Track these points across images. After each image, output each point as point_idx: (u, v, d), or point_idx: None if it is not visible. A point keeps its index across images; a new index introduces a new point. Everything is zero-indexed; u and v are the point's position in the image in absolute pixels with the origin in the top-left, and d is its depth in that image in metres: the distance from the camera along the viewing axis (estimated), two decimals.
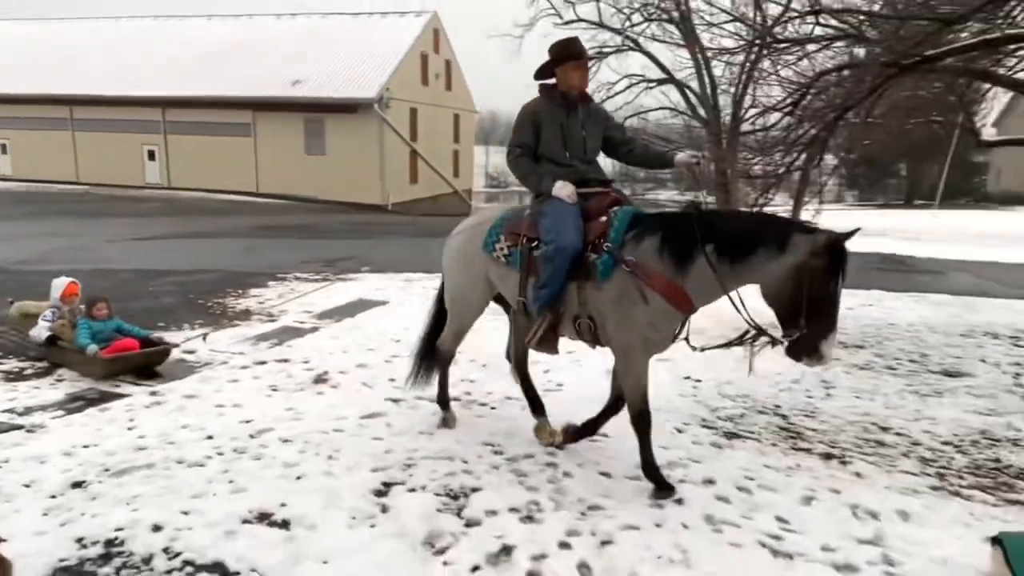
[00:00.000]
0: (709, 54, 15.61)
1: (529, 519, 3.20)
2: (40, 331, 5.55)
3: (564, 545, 2.97)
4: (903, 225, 24.81)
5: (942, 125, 12.63)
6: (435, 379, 4.56)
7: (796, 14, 5.22)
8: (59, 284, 5.89)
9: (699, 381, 5.80)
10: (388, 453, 3.91)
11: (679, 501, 3.46)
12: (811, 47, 5.35)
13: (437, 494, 3.42)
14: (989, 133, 22.43)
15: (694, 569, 2.81)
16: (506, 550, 2.92)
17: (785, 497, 3.59)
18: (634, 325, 3.49)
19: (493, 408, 4.32)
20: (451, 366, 4.64)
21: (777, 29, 6.04)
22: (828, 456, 4.26)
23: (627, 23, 21.15)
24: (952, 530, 3.30)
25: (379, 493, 3.42)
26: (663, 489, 3.51)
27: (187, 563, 2.77)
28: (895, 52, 4.24)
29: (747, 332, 3.44)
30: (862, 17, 4.60)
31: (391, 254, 14.07)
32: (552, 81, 3.90)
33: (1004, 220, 27.00)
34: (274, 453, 3.89)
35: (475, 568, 2.79)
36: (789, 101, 4.69)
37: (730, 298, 3.30)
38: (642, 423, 3.59)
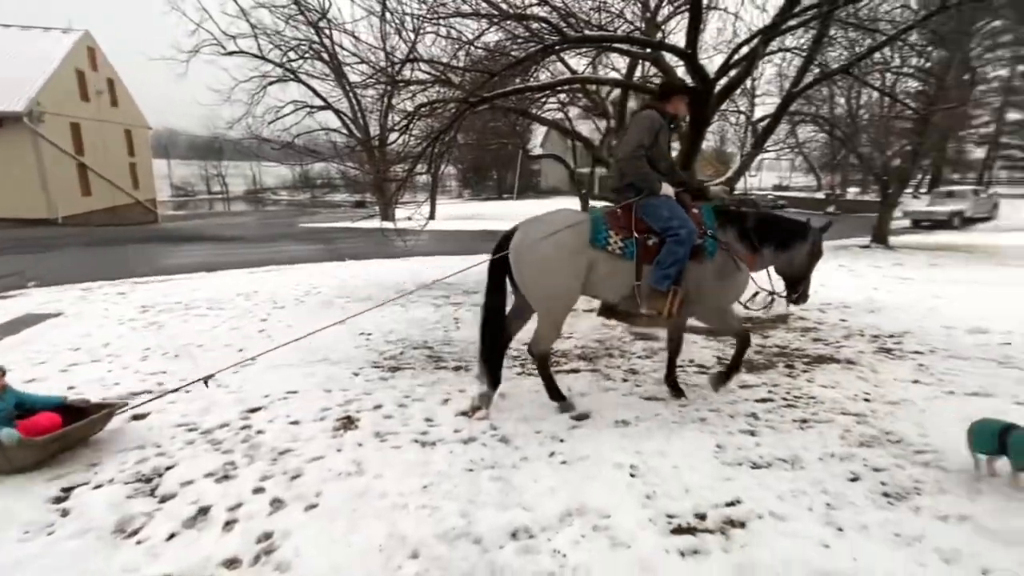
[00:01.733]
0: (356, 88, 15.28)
1: (225, 478, 2.76)
2: None
3: (258, 490, 2.64)
4: (499, 210, 28.31)
5: (512, 145, 14.60)
6: (498, 378, 3.62)
7: (398, 61, 5.43)
8: None
9: (370, 334, 5.77)
10: (70, 459, 2.97)
11: (355, 426, 3.39)
12: (415, 87, 5.58)
13: (127, 483, 2.71)
14: (537, 149, 26.88)
15: (366, 475, 2.78)
16: (203, 511, 2.48)
17: (430, 403, 3.76)
18: (730, 288, 3.56)
19: (187, 392, 3.56)
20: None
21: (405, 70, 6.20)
22: (459, 368, 4.62)
23: (285, 58, 19.43)
24: (528, 396, 3.83)
25: (58, 500, 2.59)
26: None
27: None
28: (467, 93, 4.62)
29: (769, 293, 3.71)
30: (442, 67, 4.95)
31: (64, 266, 10.68)
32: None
33: (547, 204, 32.78)
34: None
35: (171, 536, 2.30)
36: (402, 125, 4.83)
37: (768, 272, 3.71)
38: (746, 344, 3.69)
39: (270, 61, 19.12)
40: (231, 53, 18.39)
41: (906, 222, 20.36)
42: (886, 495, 2.54)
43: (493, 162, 37.68)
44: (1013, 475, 2.54)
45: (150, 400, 3.48)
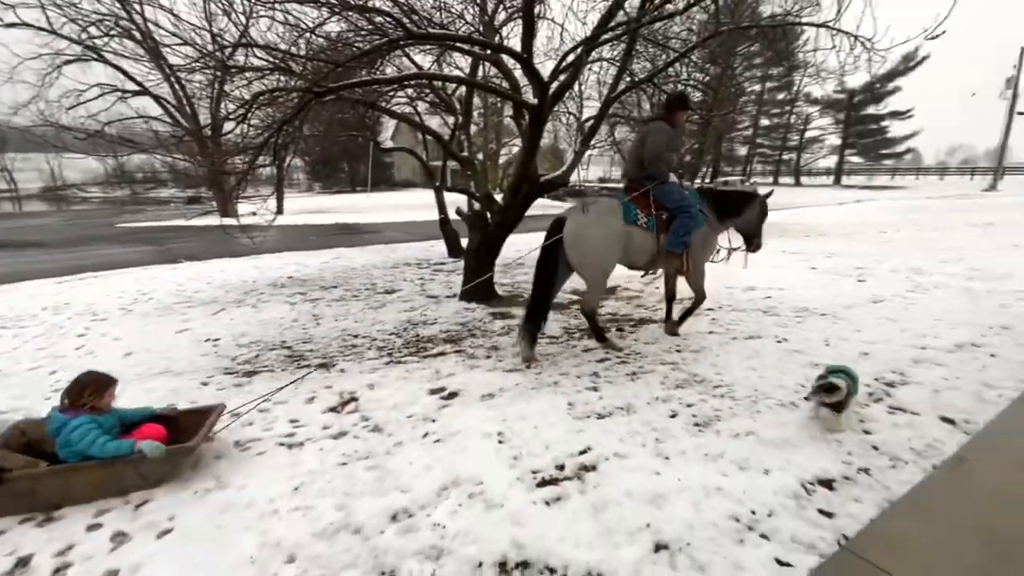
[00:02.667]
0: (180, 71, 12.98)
1: (48, 520, 2.22)
2: None
3: (93, 527, 2.18)
4: (351, 204, 26.74)
5: (362, 137, 13.80)
6: (535, 339, 4.20)
7: (229, 45, 4.77)
8: None
9: (218, 339, 5.10)
10: None
11: (209, 439, 2.97)
12: (251, 74, 4.98)
13: None
14: (389, 142, 25.87)
15: (228, 488, 2.47)
16: (22, 562, 1.99)
17: (295, 404, 3.47)
18: (710, 250, 4.54)
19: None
20: None
21: (238, 56, 5.42)
22: (323, 365, 4.32)
23: (84, 35, 15.69)
24: (397, 384, 3.76)
25: None
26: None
27: None
28: (310, 82, 4.25)
29: (732, 248, 4.72)
30: (281, 55, 4.47)
31: None
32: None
33: (402, 197, 31.96)
34: None
35: None
36: (239, 114, 4.27)
37: (728, 234, 4.74)
38: (702, 300, 4.70)
39: (64, 37, 15.39)
40: (11, 25, 14.45)
41: None
42: (696, 424, 3.00)
43: (343, 154, 35.26)
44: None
45: (254, 402, 3.29)
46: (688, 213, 4.12)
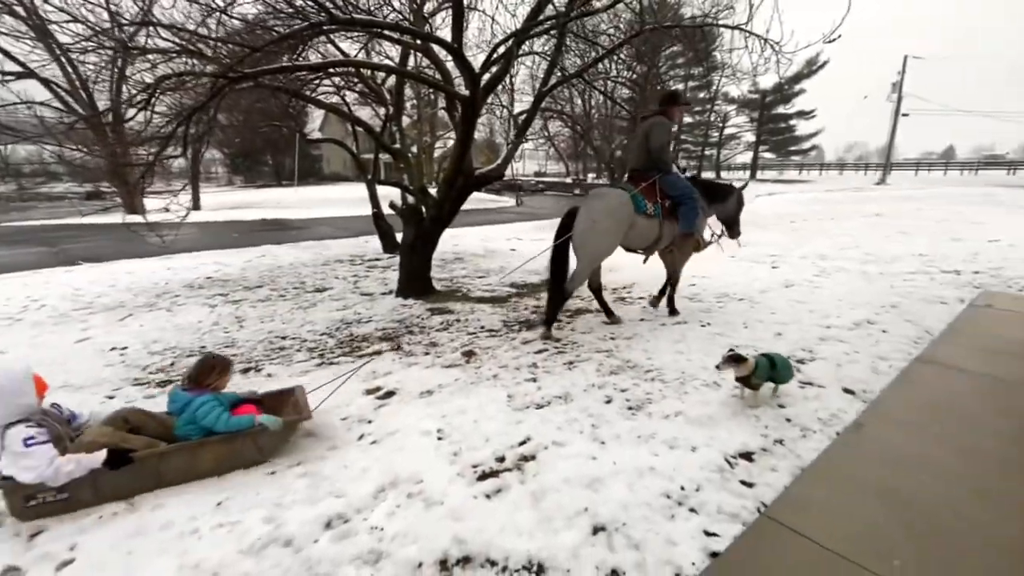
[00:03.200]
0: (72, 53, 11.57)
1: None
2: (63, 464, 2.13)
3: None
4: (278, 198, 25.29)
5: (287, 127, 13.03)
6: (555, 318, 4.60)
7: (128, 23, 4.31)
8: (22, 376, 2.17)
9: (125, 348, 4.65)
10: None
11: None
12: (156, 56, 4.54)
13: None
14: (316, 134, 24.67)
15: (141, 509, 2.24)
16: None
17: None
18: (701, 230, 4.79)
19: None
20: None
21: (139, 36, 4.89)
22: (247, 370, 4.06)
23: None
24: (331, 386, 3.62)
25: None
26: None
27: None
28: (225, 67, 3.96)
29: (714, 234, 5.22)
30: (189, 36, 4.10)
31: None
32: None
33: (332, 191, 30.69)
34: None
35: None
36: (142, 100, 3.88)
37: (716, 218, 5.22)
38: (678, 280, 5.18)
39: None
40: None
41: None
42: (630, 408, 3.11)
43: (267, 146, 33.30)
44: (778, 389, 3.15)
45: (334, 381, 3.32)
46: (693, 199, 4.52)
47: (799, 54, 4.88)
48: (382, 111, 7.79)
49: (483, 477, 2.44)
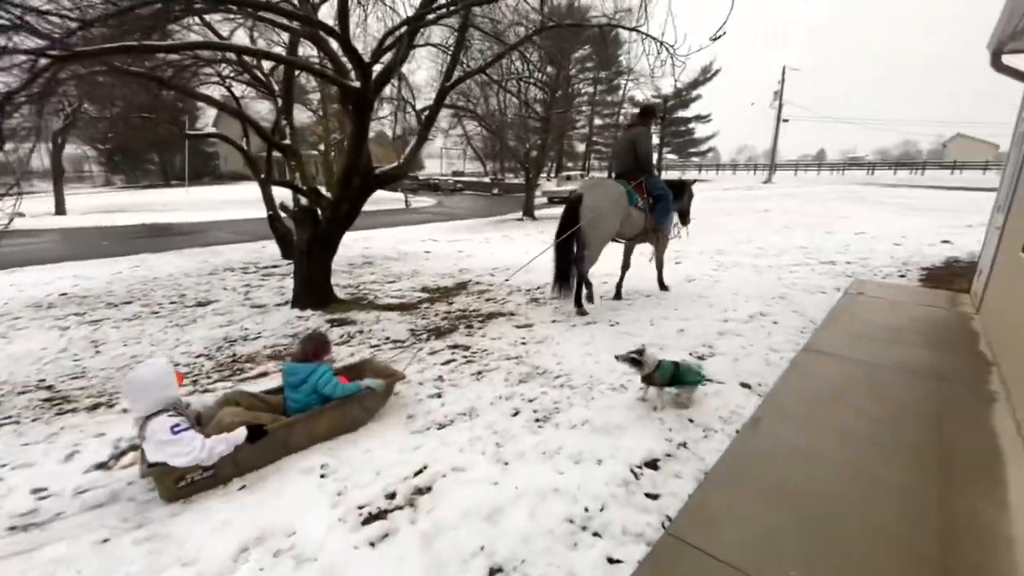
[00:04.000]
0: None
1: None
2: (215, 444, 2.33)
3: None
4: (167, 200, 22.72)
5: (165, 122, 11.57)
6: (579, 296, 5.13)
7: None
8: (167, 370, 2.36)
9: None
10: None
11: None
12: None
13: None
14: (211, 128, 22.39)
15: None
16: None
17: (46, 466, 2.65)
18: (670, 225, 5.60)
19: None
20: None
21: None
22: (95, 407, 3.41)
23: None
24: None
25: None
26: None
27: None
28: (49, 43, 3.27)
29: (676, 226, 5.80)
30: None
31: None
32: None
33: (233, 191, 28.19)
34: None
35: None
36: None
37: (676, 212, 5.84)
38: (662, 263, 6.05)
39: None
40: None
41: (544, 199, 25.17)
42: (537, 420, 2.94)
43: (152, 143, 29.80)
44: (685, 394, 3.06)
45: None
46: (668, 198, 5.33)
47: (692, 57, 5.05)
48: (277, 105, 7.07)
49: (369, 520, 2.13)
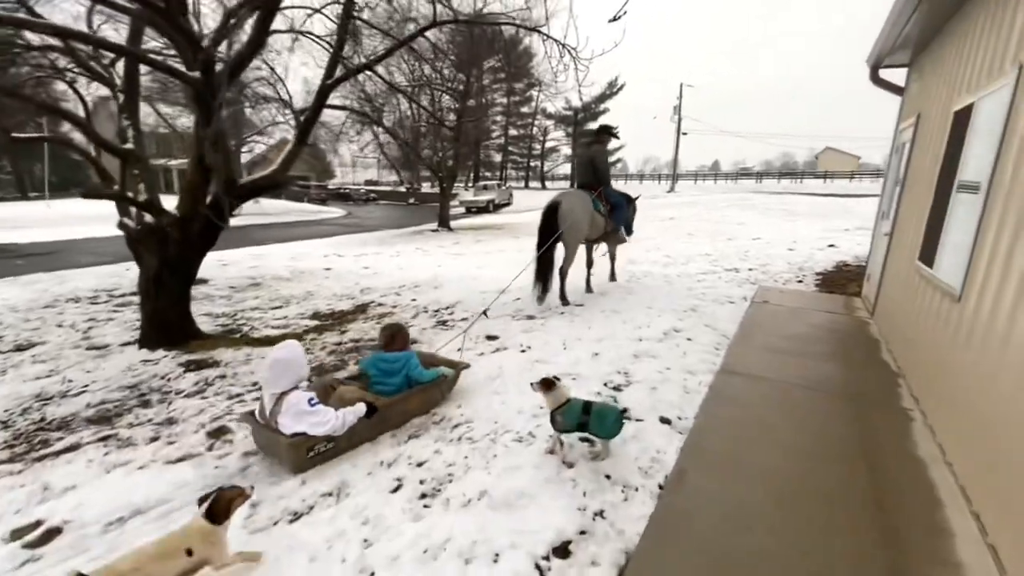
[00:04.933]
0: None
1: None
2: (346, 414, 2.59)
3: None
4: (16, 216, 19.22)
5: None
6: (550, 289, 5.52)
7: None
8: (302, 351, 2.61)
9: None
10: None
11: None
12: None
13: None
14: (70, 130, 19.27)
15: None
16: None
17: None
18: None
19: None
20: None
21: None
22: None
23: None
24: None
25: None
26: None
27: None
28: None
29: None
30: None
31: None
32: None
33: (105, 205, 24.63)
34: None
35: None
36: None
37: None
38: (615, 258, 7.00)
39: None
40: None
41: (461, 209, 24.59)
42: (424, 495, 2.31)
43: (3, 148, 25.38)
44: (599, 445, 2.55)
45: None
46: (622, 205, 6.09)
47: (596, 64, 4.71)
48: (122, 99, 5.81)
49: None
